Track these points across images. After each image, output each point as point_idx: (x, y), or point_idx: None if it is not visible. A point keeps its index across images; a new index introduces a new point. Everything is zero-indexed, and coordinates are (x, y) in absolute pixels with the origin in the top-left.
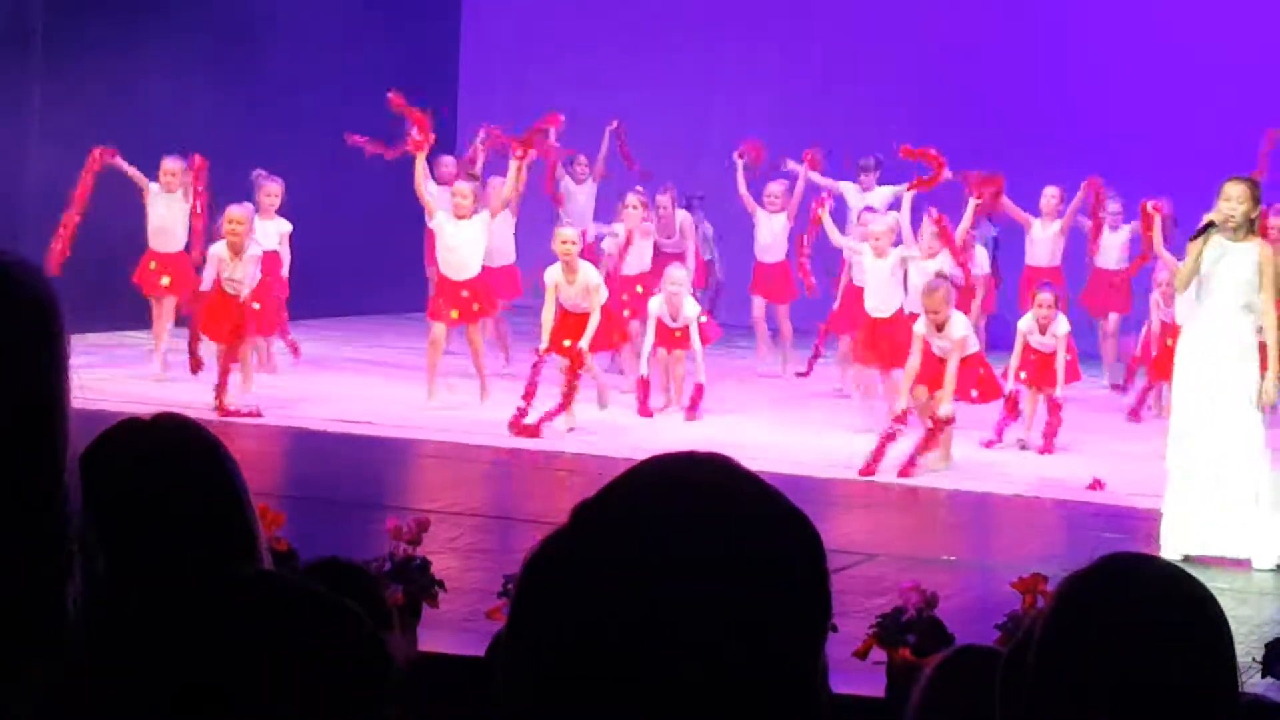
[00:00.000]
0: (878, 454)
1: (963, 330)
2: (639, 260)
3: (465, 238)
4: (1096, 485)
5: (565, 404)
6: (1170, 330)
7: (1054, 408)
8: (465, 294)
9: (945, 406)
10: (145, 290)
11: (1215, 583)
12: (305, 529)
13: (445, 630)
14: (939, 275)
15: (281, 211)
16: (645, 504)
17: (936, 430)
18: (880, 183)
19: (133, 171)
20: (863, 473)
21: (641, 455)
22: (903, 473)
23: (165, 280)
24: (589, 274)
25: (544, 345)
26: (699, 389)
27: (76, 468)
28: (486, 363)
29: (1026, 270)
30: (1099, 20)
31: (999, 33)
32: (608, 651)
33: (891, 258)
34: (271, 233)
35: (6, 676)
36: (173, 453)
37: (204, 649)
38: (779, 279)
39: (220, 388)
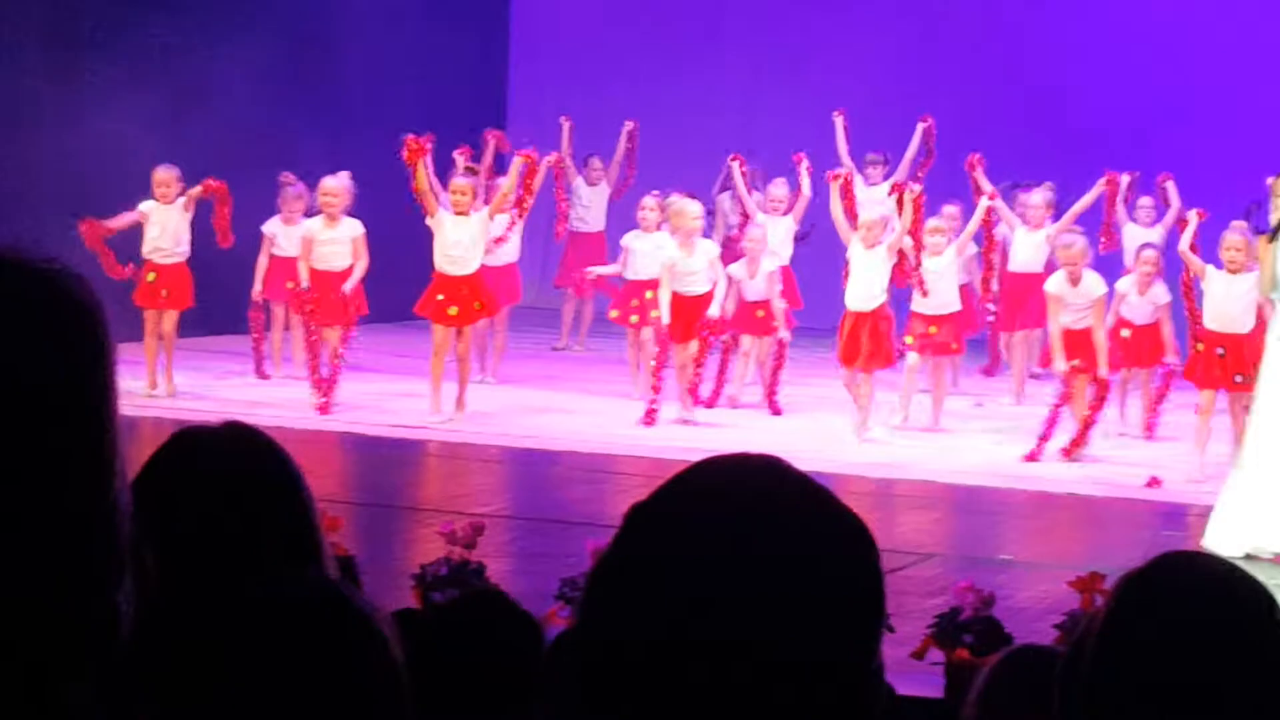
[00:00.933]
0: (1080, 438)
1: (1101, 288)
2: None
3: (464, 234)
4: (1154, 483)
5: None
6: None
7: (1166, 380)
8: (465, 291)
9: (1103, 369)
10: (142, 303)
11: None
12: (362, 534)
13: None
14: (1068, 232)
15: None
16: (698, 507)
17: (1099, 407)
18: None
19: (127, 219)
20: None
21: (695, 457)
22: (1068, 453)
23: (164, 293)
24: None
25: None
26: (778, 368)
27: (126, 476)
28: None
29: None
30: (1139, 20)
31: (1032, 30)
32: (663, 654)
33: (881, 250)
34: (298, 239)
35: (58, 686)
36: (240, 460)
37: (259, 658)
38: (784, 283)
39: (326, 380)
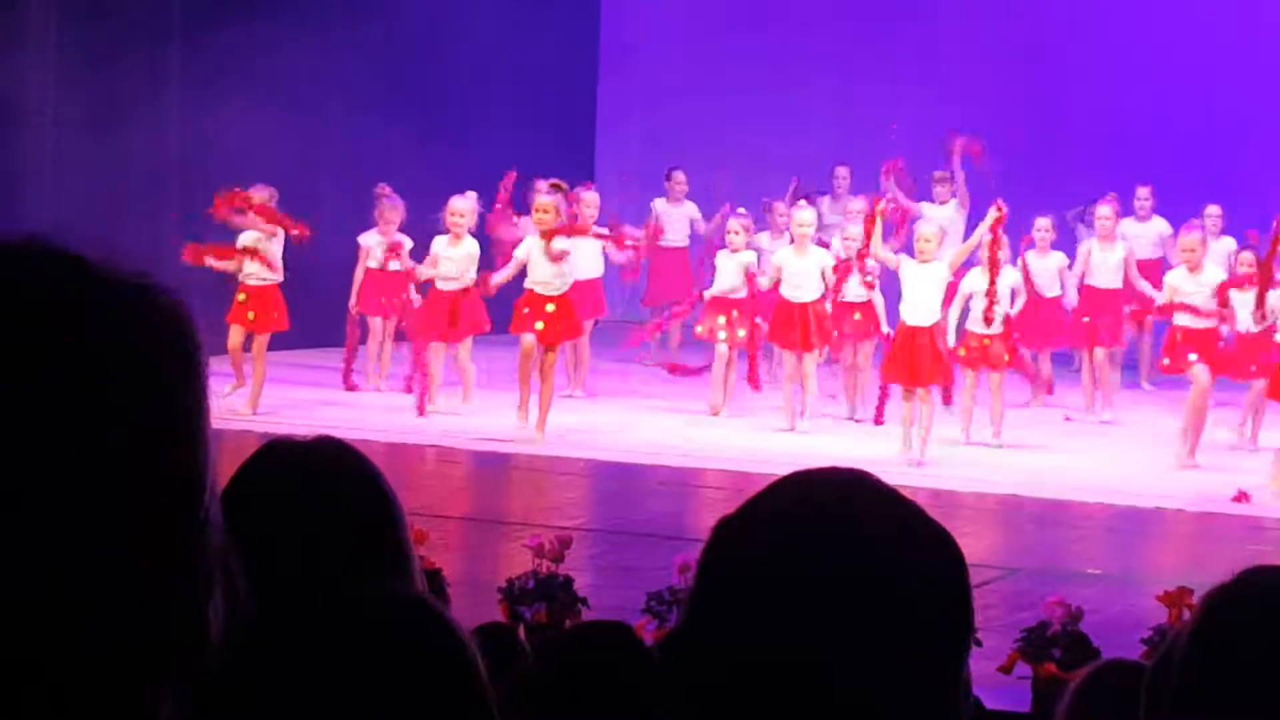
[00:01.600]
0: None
1: (1222, 275)
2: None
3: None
4: (1242, 498)
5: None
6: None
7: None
8: (553, 310)
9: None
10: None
11: None
12: (447, 547)
13: None
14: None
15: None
16: (784, 522)
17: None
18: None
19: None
20: None
21: (783, 471)
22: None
23: (251, 315)
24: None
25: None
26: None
27: (218, 489)
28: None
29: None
30: (1185, 28)
31: (1072, 41)
32: (753, 670)
33: (937, 267)
34: (463, 256)
35: (149, 702)
36: (332, 475)
37: (346, 672)
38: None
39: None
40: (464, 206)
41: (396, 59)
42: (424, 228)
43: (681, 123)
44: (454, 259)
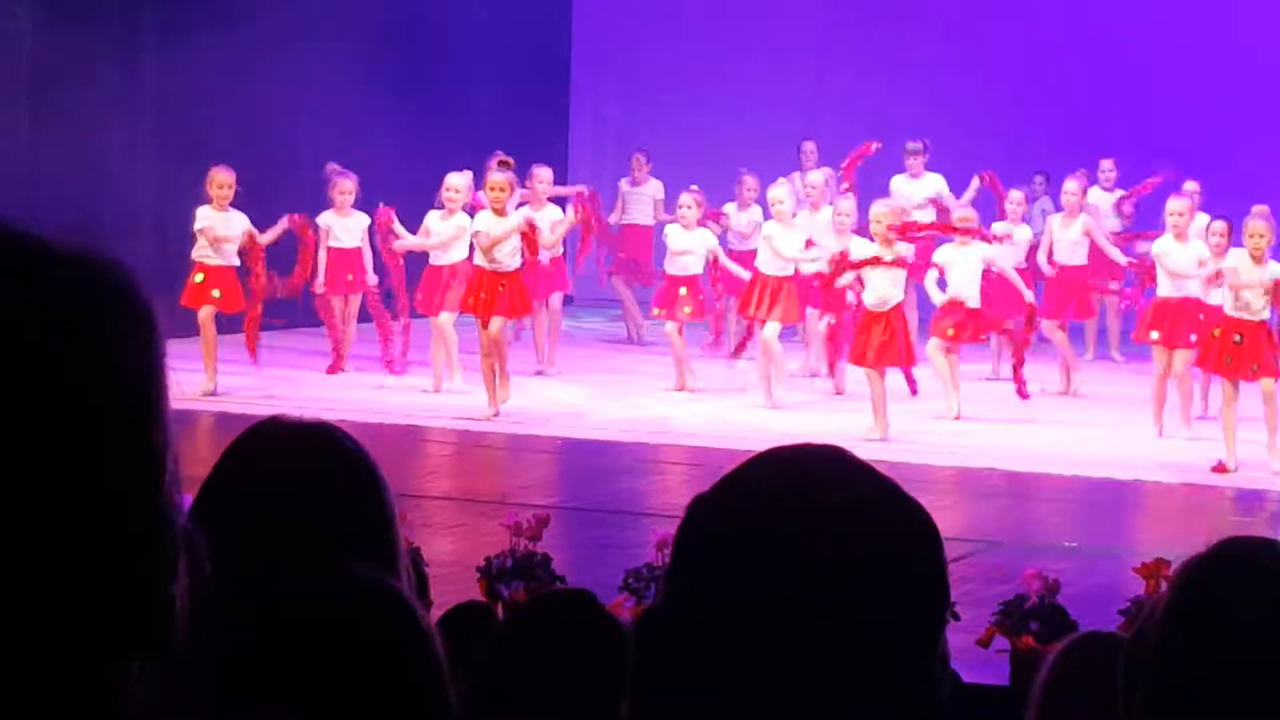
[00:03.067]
0: None
1: (1205, 249)
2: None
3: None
4: (1220, 468)
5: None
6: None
7: None
8: (499, 289)
9: None
10: (197, 305)
11: None
12: (425, 527)
13: None
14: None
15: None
16: (761, 497)
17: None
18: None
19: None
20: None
21: (759, 446)
22: None
23: (215, 293)
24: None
25: None
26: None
27: (178, 468)
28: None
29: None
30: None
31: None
32: (729, 646)
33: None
34: (354, 229)
35: (112, 678)
36: (321, 458)
37: (304, 651)
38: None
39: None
40: (459, 182)
41: (374, 35)
42: (408, 205)
43: (655, 106)
44: (443, 234)
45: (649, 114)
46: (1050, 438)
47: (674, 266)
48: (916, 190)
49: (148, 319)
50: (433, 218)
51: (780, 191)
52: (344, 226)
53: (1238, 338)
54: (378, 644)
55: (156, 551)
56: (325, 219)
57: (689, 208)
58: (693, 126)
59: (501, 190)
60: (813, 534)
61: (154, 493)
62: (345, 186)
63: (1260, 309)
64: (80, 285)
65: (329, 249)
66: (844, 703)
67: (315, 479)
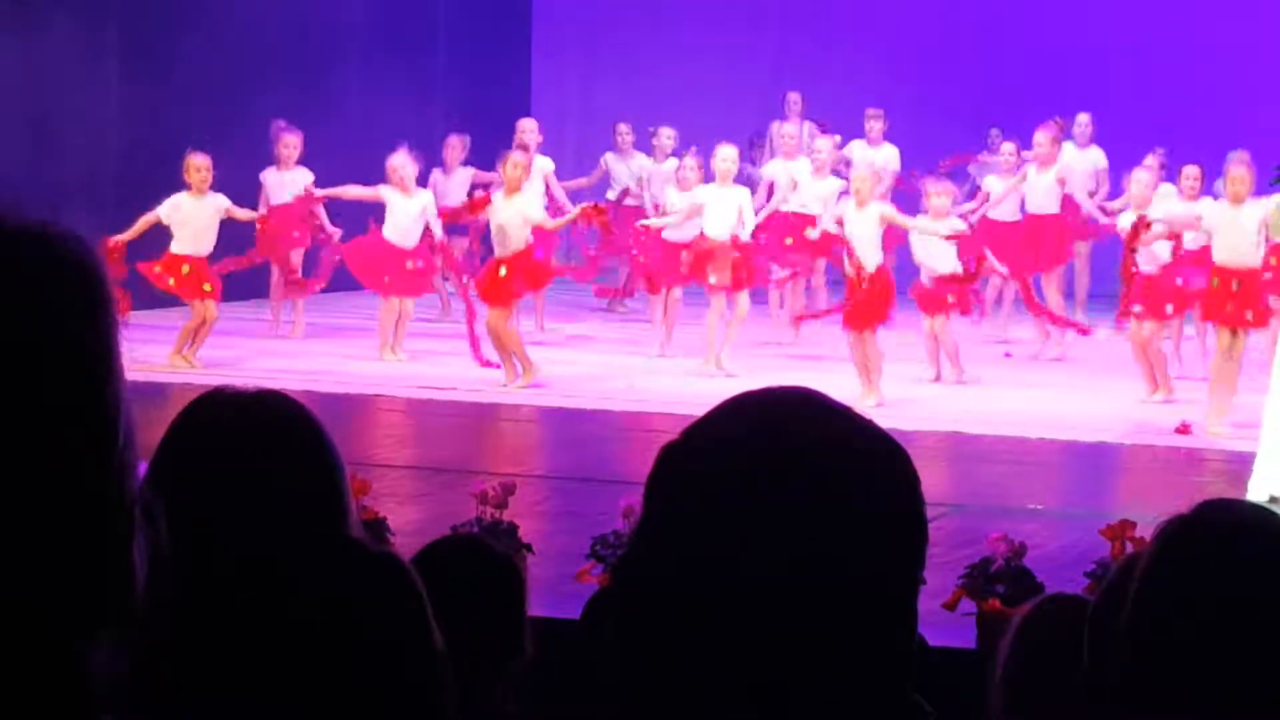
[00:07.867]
0: None
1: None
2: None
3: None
4: (1184, 429)
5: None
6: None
7: None
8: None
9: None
10: (187, 296)
11: None
12: (391, 496)
13: (534, 593)
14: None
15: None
16: (733, 442)
17: None
18: (886, 136)
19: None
20: None
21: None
22: None
23: (207, 286)
24: None
25: None
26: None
27: (134, 433)
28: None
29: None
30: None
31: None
32: (702, 593)
33: (873, 210)
34: (298, 183)
35: (73, 641)
36: (271, 423)
37: (280, 612)
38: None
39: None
40: (398, 161)
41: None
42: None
43: (619, 80)
44: (410, 213)
45: (610, 89)
46: (1015, 399)
47: (676, 233)
48: (873, 157)
49: (100, 289)
50: (389, 195)
51: (729, 150)
52: (284, 182)
53: (1235, 284)
54: (378, 607)
55: (113, 518)
56: (268, 175)
57: (691, 169)
58: (656, 102)
59: (518, 168)
60: (785, 473)
61: (107, 460)
62: (290, 141)
63: (1247, 252)
64: (31, 258)
65: (270, 206)
66: (823, 645)
67: (261, 442)
